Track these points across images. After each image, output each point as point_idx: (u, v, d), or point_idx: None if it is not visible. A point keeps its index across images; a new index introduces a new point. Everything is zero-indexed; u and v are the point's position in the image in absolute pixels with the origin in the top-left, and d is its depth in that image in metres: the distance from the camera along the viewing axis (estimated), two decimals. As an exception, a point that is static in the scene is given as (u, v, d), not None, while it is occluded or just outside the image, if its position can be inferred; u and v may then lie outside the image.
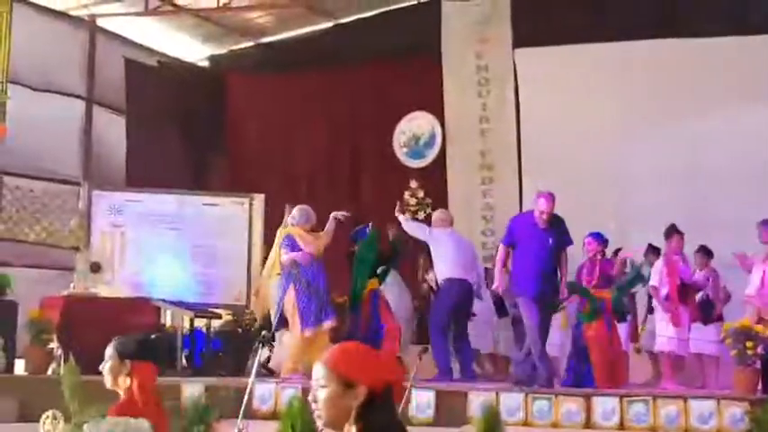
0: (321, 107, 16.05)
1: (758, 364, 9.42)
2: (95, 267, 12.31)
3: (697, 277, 11.19)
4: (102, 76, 15.28)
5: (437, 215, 12.12)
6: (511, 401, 9.20)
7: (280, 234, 11.14)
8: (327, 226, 11.10)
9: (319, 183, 16.01)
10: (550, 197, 10.00)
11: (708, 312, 11.30)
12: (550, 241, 10.04)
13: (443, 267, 11.54)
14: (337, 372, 2.76)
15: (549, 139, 14.35)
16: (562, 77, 14.51)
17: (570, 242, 10.31)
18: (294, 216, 11.08)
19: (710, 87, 13.65)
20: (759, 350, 9.35)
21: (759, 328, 9.62)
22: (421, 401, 9.23)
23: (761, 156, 13.16)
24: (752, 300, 10.58)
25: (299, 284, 10.72)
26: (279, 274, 10.98)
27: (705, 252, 11.44)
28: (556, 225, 10.12)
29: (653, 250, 11.82)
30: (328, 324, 10.70)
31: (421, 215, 13.46)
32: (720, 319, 11.19)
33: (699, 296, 11.34)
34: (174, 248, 12.80)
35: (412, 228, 11.78)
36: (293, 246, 10.80)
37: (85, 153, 14.99)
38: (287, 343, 11.01)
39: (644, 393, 9.25)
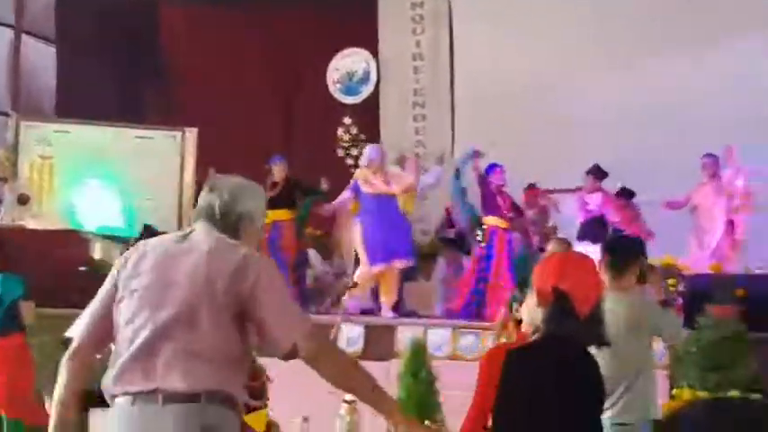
0: (255, 42, 15.89)
1: (680, 301, 9.64)
2: (23, 199, 12.19)
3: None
4: (31, 4, 15.01)
5: None
6: (438, 337, 9.35)
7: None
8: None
9: (253, 118, 15.91)
10: None
11: None
12: None
13: None
14: None
15: (483, 78, 14.38)
16: (498, 16, 14.49)
17: None
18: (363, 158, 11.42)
19: (654, 30, 13.68)
20: (681, 287, 9.56)
21: (683, 265, 9.84)
22: (351, 335, 9.34)
23: (692, 101, 13.23)
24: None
25: (364, 221, 11.07)
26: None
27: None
28: None
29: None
30: (400, 263, 10.92)
31: (354, 152, 13.50)
32: None
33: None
34: (105, 181, 12.69)
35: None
36: (355, 187, 11.15)
37: (14, 83, 14.77)
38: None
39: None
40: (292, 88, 15.96)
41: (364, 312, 10.81)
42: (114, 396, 3.41)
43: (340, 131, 14.32)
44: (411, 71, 15.22)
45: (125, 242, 12.12)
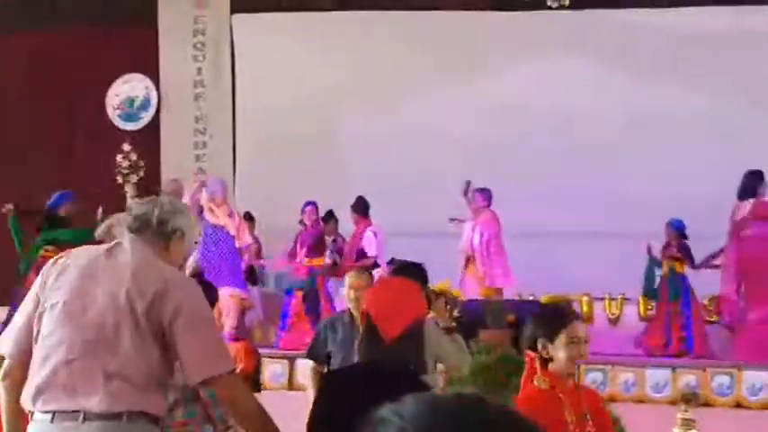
0: (33, 68, 15.43)
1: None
2: None
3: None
4: None
5: None
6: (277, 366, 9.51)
7: None
8: None
9: (31, 146, 15.38)
10: None
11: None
12: None
13: None
14: None
15: (265, 105, 14.49)
16: (280, 44, 14.65)
17: None
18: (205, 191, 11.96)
19: (429, 60, 14.16)
20: (455, 313, 9.88)
21: (456, 292, 10.18)
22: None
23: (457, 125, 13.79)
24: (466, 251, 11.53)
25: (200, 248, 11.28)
26: None
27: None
28: None
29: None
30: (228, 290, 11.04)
31: (133, 179, 13.37)
32: None
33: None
34: None
35: None
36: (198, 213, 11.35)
37: None
38: None
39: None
40: (71, 115, 15.57)
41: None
42: (32, 412, 3.43)
43: (119, 158, 14.11)
44: (192, 98, 15.20)
45: None
